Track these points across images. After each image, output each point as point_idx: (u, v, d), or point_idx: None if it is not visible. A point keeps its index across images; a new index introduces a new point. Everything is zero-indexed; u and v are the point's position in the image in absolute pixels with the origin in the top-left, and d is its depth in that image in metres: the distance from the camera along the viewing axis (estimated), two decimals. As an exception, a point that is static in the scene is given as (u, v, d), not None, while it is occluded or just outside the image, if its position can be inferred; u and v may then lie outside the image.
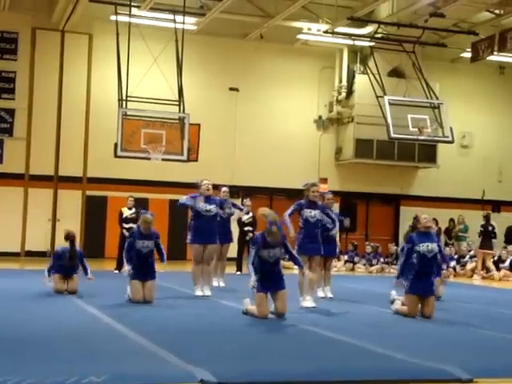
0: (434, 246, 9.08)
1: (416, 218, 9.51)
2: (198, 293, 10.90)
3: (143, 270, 9.85)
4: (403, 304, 9.24)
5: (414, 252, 9.08)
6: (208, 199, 11.17)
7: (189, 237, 11.16)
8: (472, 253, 19.84)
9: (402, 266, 9.24)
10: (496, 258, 19.01)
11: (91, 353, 6.02)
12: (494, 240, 18.76)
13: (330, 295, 11.32)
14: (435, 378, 5.58)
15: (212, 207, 11.12)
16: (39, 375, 5.05)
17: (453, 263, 19.14)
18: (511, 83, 25.00)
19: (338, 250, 12.83)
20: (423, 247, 9.04)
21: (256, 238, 8.82)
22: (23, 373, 5.11)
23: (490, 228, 18.66)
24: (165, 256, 10.48)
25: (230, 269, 17.52)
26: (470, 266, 19.33)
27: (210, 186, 11.24)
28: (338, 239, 12.46)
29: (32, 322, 7.85)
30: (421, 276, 8.97)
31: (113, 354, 6.01)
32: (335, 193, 23.10)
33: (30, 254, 20.44)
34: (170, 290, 11.62)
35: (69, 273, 10.72)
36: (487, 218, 19.03)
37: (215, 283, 13.02)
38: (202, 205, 11.02)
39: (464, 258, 19.64)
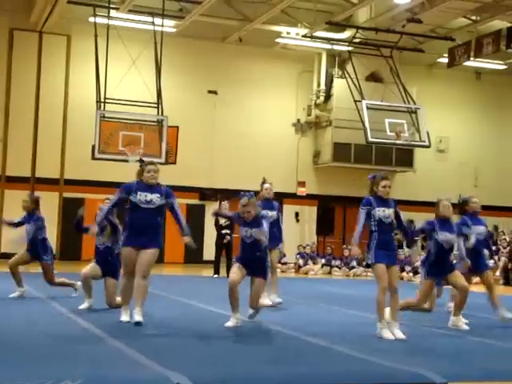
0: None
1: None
2: (124, 318, 8.11)
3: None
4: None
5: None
6: (151, 188, 8.12)
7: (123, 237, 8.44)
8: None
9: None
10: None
11: (66, 356, 5.99)
12: None
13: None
14: (410, 381, 5.61)
15: (154, 197, 8.05)
16: (13, 379, 5.01)
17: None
18: (487, 88, 25.26)
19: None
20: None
21: None
22: (-2, 377, 5.08)
23: None
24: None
25: (208, 272, 17.56)
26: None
27: (156, 174, 8.13)
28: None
29: (6, 325, 7.79)
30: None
31: (88, 358, 5.98)
32: (313, 196, 23.48)
33: (6, 257, 20.09)
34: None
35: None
36: None
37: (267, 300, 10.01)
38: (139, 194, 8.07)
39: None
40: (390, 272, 7.77)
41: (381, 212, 7.81)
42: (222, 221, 16.77)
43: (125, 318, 8.09)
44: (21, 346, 6.42)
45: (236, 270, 8.05)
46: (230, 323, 8.02)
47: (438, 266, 8.44)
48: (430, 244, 8.60)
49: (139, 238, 7.99)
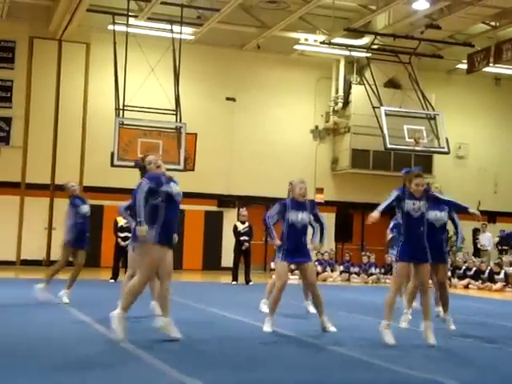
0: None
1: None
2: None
3: None
4: None
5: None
6: (168, 180, 7.32)
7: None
8: (467, 264, 19.84)
9: None
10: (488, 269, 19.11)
11: (85, 363, 6.01)
12: None
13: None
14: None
15: (179, 189, 7.36)
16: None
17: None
18: (507, 94, 25.10)
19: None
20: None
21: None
22: None
23: None
24: None
25: (226, 278, 17.56)
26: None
27: (159, 161, 7.51)
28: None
29: (25, 331, 7.83)
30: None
31: (106, 364, 6.00)
32: (331, 203, 23.42)
33: (26, 263, 20.40)
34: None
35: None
36: None
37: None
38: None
39: (460, 269, 19.64)
40: (421, 270, 7.42)
41: (410, 205, 7.36)
42: (241, 227, 16.77)
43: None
44: (38, 353, 6.45)
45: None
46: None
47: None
48: None
49: (171, 236, 7.05)
